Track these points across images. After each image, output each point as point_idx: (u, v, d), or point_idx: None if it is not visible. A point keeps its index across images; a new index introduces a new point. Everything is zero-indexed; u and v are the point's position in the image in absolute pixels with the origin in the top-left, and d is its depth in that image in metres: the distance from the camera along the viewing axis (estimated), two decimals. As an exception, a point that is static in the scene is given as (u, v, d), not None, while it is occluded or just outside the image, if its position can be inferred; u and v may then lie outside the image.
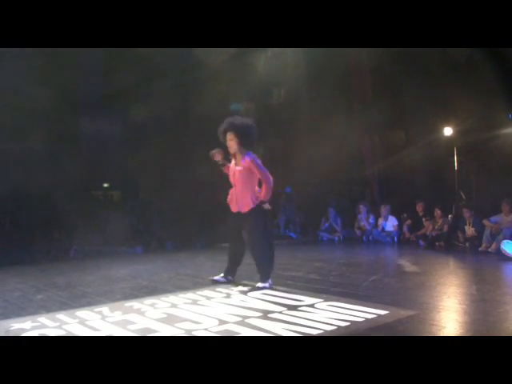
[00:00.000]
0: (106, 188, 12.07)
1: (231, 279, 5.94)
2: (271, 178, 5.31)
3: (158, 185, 11.15)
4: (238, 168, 5.40)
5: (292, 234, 12.09)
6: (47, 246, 9.29)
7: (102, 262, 8.50)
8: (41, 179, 8.95)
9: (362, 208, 11.35)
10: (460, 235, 9.43)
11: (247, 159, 5.28)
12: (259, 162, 5.34)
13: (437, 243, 9.63)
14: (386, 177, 12.00)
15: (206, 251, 6.16)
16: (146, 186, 11.42)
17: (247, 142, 5.32)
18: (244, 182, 5.38)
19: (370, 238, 11.08)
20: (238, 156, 5.40)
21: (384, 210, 11.00)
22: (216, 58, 8.79)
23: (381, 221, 11.06)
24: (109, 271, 7.48)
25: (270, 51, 10.23)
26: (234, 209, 5.60)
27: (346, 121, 11.02)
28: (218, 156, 5.62)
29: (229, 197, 5.68)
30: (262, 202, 5.47)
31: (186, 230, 10.39)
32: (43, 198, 9.25)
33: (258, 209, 5.42)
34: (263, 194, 5.33)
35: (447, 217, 10.03)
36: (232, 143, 5.31)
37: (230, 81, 10.14)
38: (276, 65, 10.50)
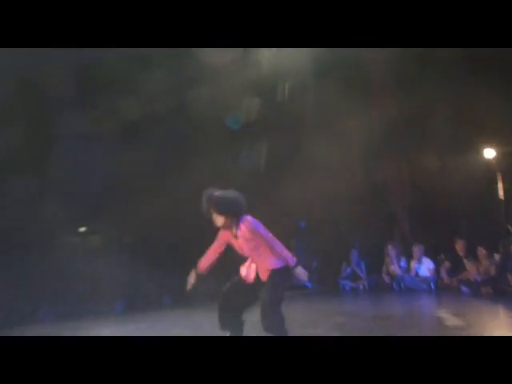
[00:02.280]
0: (82, 232, 11.59)
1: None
2: (278, 241, 5.00)
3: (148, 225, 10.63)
4: (239, 239, 5.13)
5: (307, 283, 11.30)
6: (7, 308, 8.44)
7: (78, 325, 7.81)
8: None
9: (391, 249, 10.91)
10: (510, 278, 8.73)
11: (242, 227, 5.03)
12: (257, 224, 5.04)
13: (483, 289, 9.05)
14: (417, 210, 11.62)
15: (207, 304, 5.96)
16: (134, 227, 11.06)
17: (232, 212, 5.04)
18: (253, 248, 5.09)
19: (402, 285, 10.61)
20: (232, 227, 5.13)
21: (417, 250, 10.54)
22: (217, 56, 8.70)
23: (414, 264, 10.59)
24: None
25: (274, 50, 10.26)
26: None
27: (367, 145, 10.77)
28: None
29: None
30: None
31: (182, 277, 9.42)
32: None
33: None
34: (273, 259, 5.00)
35: (493, 256, 9.40)
36: (216, 218, 5.08)
37: (229, 80, 10.02)
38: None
